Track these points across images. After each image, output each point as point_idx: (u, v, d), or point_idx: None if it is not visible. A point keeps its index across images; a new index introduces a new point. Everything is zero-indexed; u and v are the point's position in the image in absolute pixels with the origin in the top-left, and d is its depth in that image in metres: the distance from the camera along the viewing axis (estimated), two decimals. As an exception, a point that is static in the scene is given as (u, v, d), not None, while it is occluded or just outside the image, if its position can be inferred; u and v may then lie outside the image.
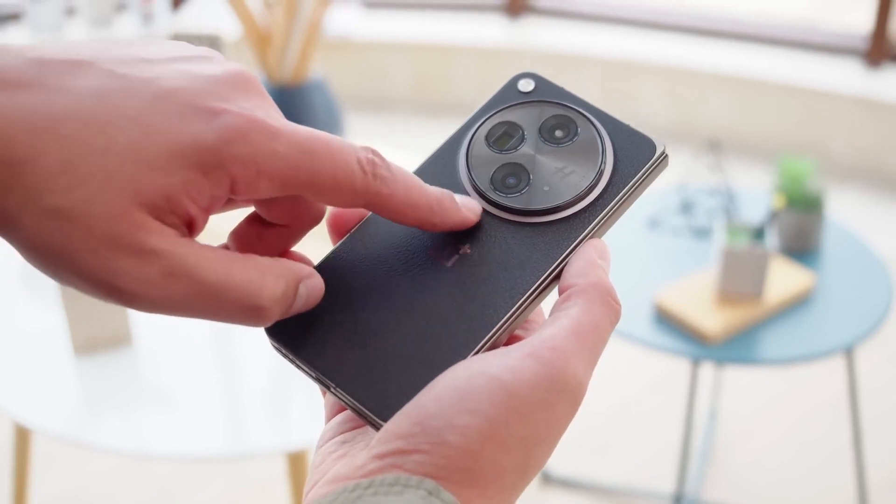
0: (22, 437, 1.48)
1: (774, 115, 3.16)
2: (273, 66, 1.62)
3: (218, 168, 0.30)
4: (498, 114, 0.38)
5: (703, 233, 1.79)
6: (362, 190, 0.33)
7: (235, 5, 1.58)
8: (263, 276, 0.32)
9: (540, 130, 0.38)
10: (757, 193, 1.89)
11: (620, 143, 0.37)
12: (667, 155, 0.37)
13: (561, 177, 0.36)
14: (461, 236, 0.36)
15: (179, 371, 1.31)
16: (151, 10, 2.89)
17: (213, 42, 1.65)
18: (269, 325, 0.33)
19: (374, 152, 0.33)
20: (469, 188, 0.37)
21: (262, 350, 1.31)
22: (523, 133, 0.38)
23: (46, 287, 1.44)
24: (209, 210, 0.32)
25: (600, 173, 0.36)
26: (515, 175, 0.37)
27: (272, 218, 0.35)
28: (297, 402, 1.29)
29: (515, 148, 0.37)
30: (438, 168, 0.38)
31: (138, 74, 0.31)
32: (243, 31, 1.62)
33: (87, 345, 1.31)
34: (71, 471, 1.94)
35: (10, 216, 0.29)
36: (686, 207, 1.85)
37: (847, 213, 2.66)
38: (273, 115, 0.32)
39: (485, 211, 0.36)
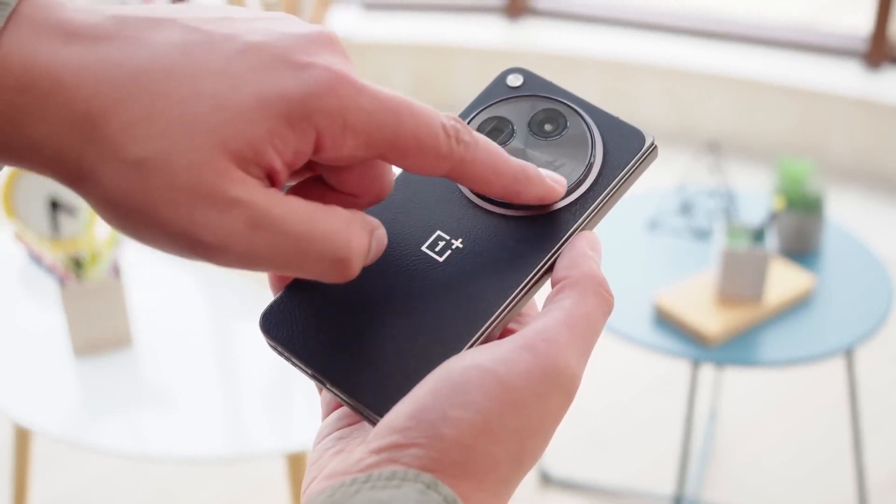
0: (22, 438, 1.48)
1: (774, 116, 3.16)
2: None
3: (304, 120, 0.30)
4: (487, 109, 0.38)
5: (702, 234, 1.79)
6: (446, 154, 0.32)
7: (235, 6, 1.58)
8: (349, 227, 0.31)
9: (529, 125, 0.38)
10: (757, 195, 1.89)
11: (610, 135, 0.37)
12: (656, 146, 0.37)
13: (551, 170, 0.36)
14: (453, 231, 0.36)
15: (179, 372, 1.31)
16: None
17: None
18: (352, 278, 0.32)
19: (457, 119, 0.33)
20: None
21: (262, 351, 1.31)
22: (513, 128, 0.38)
23: (46, 287, 1.44)
24: (292, 166, 0.31)
25: (590, 166, 0.36)
26: None
27: (340, 185, 0.34)
28: (296, 403, 1.29)
29: (505, 143, 0.37)
30: None
31: (222, 31, 0.30)
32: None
33: (87, 345, 1.31)
34: (71, 471, 1.95)
35: (89, 170, 0.28)
36: (686, 209, 1.85)
37: (847, 214, 2.66)
38: (356, 74, 0.31)
39: (476, 206, 0.36)
